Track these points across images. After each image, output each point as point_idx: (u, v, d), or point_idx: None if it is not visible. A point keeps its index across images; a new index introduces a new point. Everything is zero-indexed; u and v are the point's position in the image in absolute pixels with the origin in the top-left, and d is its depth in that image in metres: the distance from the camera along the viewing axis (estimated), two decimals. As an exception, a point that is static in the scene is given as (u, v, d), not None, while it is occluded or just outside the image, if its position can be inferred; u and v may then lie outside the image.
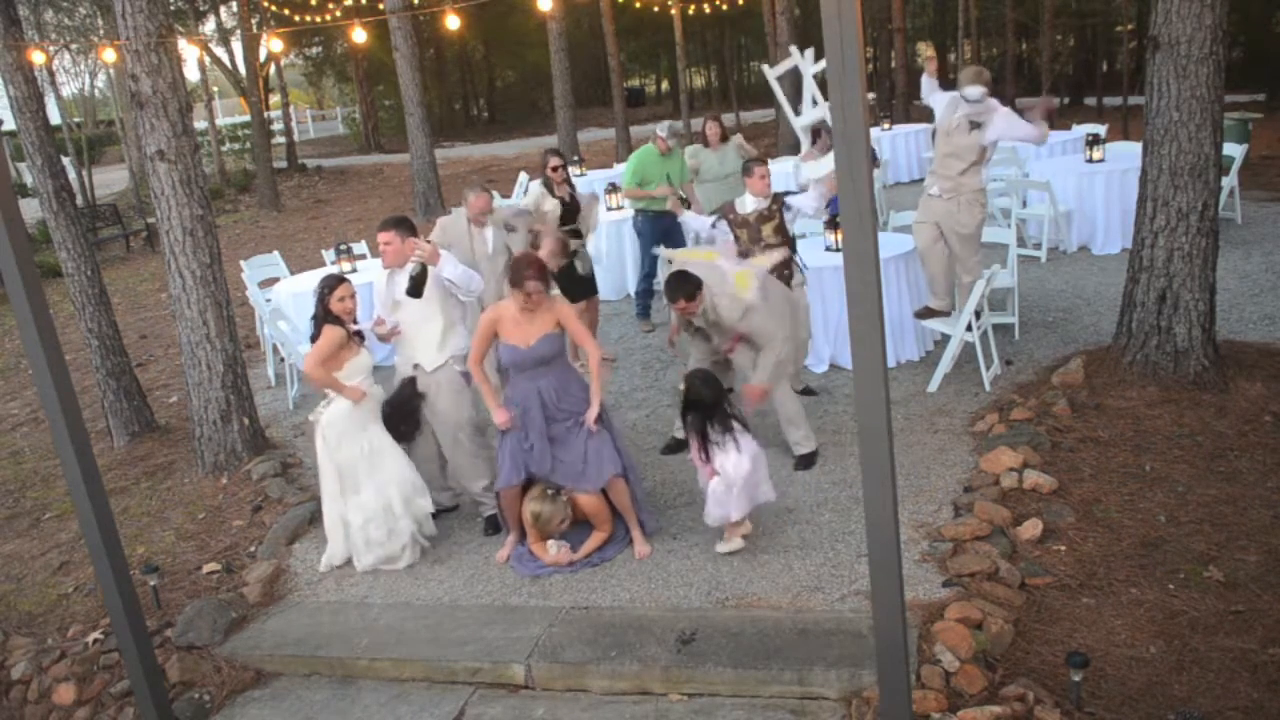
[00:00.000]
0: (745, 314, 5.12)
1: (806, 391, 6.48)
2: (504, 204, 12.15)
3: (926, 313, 6.61)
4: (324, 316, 4.88)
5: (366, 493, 4.98)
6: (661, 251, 6.38)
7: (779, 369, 5.24)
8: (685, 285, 5.06)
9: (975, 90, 6.04)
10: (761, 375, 5.18)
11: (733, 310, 5.13)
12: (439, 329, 5.12)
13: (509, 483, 4.80)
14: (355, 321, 5.00)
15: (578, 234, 7.29)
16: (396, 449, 5.08)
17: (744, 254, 5.91)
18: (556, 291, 5.05)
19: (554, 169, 7.31)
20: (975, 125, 6.14)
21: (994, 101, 6.21)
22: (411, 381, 5.13)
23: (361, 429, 4.96)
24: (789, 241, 6.06)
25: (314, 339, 4.91)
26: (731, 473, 4.48)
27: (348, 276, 5.07)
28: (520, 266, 4.63)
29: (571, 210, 7.23)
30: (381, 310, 5.23)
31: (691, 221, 6.58)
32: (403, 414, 5.12)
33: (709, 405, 4.56)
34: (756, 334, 5.16)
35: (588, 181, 12.67)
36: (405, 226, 5.15)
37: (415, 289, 5.02)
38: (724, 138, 8.39)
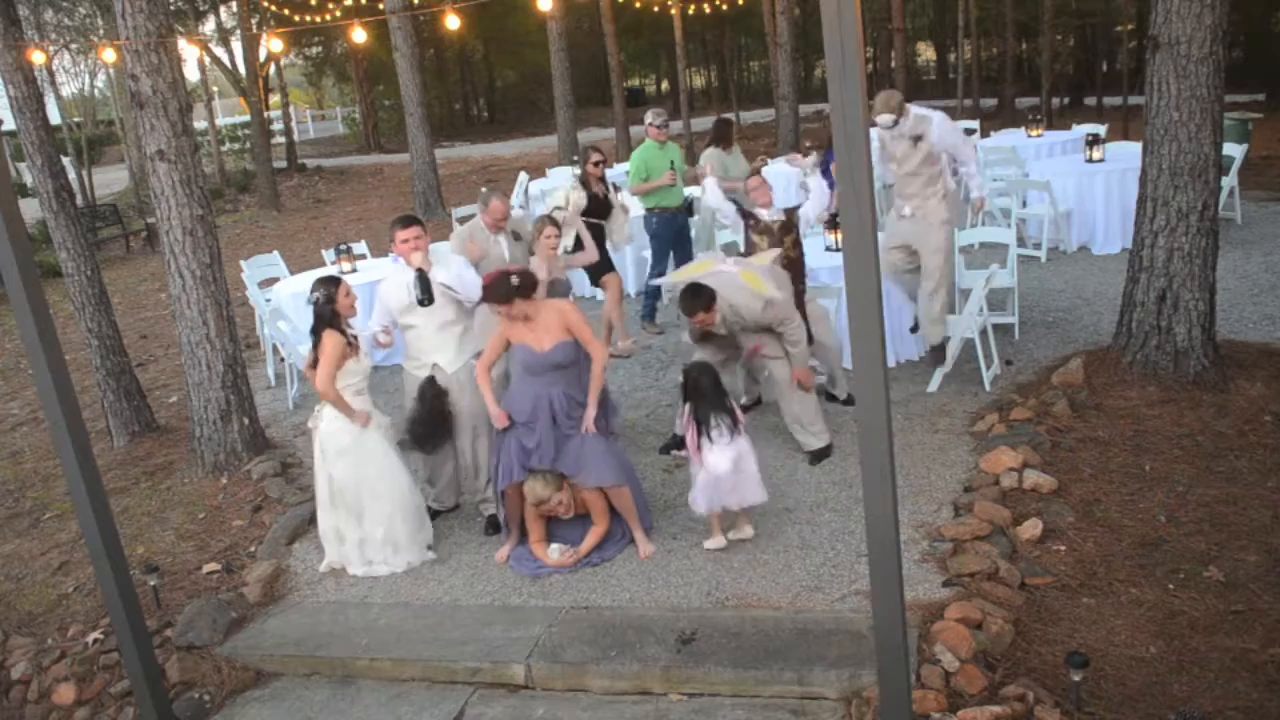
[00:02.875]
0: (766, 306, 5.22)
1: (849, 401, 6.28)
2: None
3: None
4: (328, 319, 4.81)
5: (368, 521, 4.95)
6: (664, 281, 6.36)
7: (805, 347, 5.42)
8: (700, 297, 5.11)
9: (886, 118, 5.92)
10: (800, 358, 5.35)
11: (753, 305, 5.21)
12: (459, 331, 5.14)
13: (511, 479, 4.79)
14: (353, 310, 4.96)
15: (600, 229, 7.37)
16: (403, 476, 5.02)
17: (746, 254, 5.94)
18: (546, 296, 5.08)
19: (595, 164, 7.49)
20: (918, 138, 5.97)
21: (922, 111, 6.07)
22: (432, 381, 5.11)
23: (365, 451, 4.90)
24: (802, 254, 6.11)
25: (315, 346, 4.86)
26: (711, 467, 4.53)
27: (342, 277, 5.02)
28: (484, 290, 4.79)
29: (601, 207, 7.35)
30: (394, 313, 5.16)
31: (711, 198, 6.47)
32: (435, 419, 5.08)
33: (709, 396, 4.61)
34: (779, 322, 5.28)
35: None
36: (421, 223, 5.19)
37: (426, 294, 4.99)
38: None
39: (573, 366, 4.82)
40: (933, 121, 5.97)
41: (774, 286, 5.31)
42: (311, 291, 4.85)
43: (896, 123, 5.93)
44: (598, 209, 7.32)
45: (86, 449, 3.47)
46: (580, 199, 7.12)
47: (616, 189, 9.96)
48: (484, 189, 6.27)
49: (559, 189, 7.52)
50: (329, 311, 4.81)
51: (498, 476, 4.85)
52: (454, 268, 5.15)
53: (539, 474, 4.72)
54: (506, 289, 4.67)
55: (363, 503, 4.93)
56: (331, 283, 4.85)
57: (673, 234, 8.11)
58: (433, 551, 5.14)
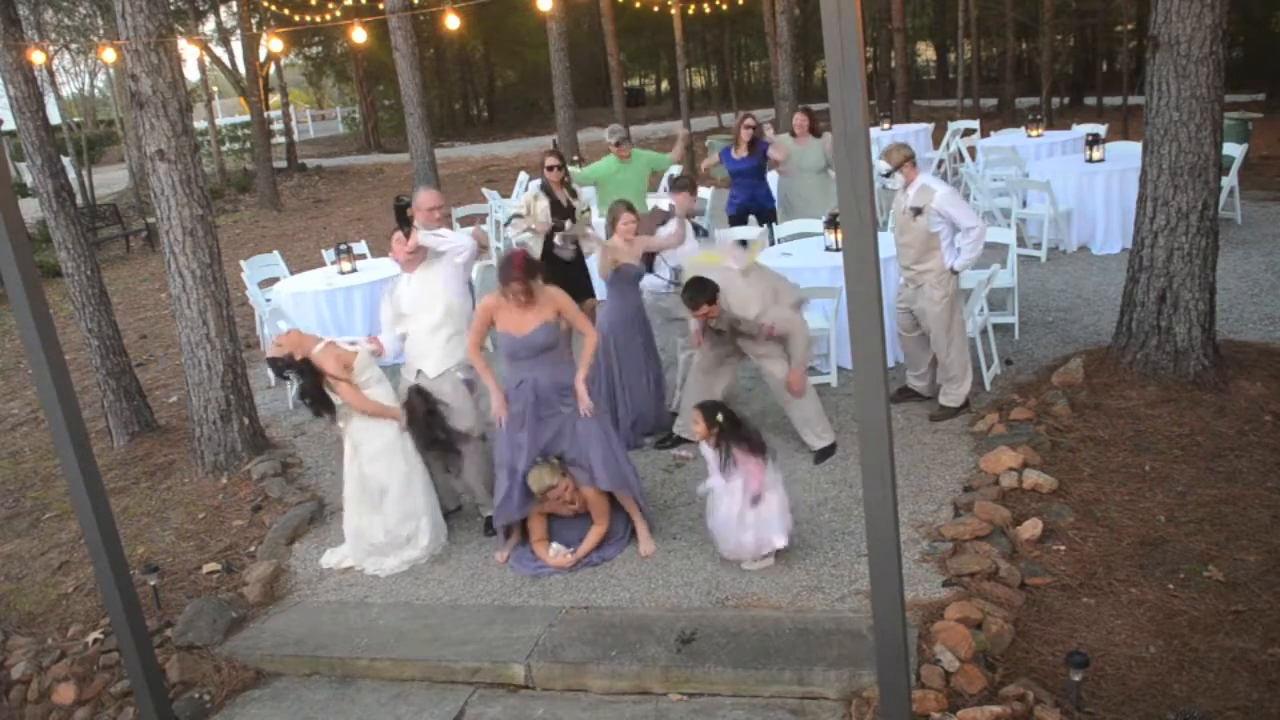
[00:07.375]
0: (763, 307, 5.19)
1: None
2: (502, 204, 12.19)
3: (904, 394, 6.18)
4: (315, 375, 4.83)
5: (403, 513, 5.00)
6: (682, 264, 6.34)
7: (808, 349, 5.39)
8: (704, 291, 5.13)
9: (881, 165, 5.63)
10: (797, 361, 5.32)
11: (748, 310, 5.20)
12: (445, 336, 5.15)
13: (512, 518, 4.85)
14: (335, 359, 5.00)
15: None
16: (425, 479, 5.11)
17: None
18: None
19: (550, 169, 7.23)
20: (918, 211, 5.62)
21: (929, 182, 5.65)
22: (417, 389, 5.12)
23: (405, 446, 5.00)
24: None
25: (309, 395, 4.88)
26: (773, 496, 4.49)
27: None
28: (505, 265, 4.69)
29: (564, 212, 7.15)
30: (387, 319, 5.22)
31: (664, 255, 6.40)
32: (434, 422, 5.07)
33: (737, 425, 4.56)
34: (779, 323, 5.25)
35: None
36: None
37: (402, 216, 5.12)
38: (813, 131, 8.46)
39: (554, 349, 4.80)
40: (935, 195, 5.56)
41: (774, 293, 5.28)
42: (284, 376, 5.00)
43: (889, 174, 5.71)
44: (560, 214, 7.10)
45: (86, 449, 3.47)
46: (544, 206, 7.05)
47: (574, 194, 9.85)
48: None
49: (520, 198, 7.34)
50: (311, 369, 4.82)
51: (498, 514, 4.89)
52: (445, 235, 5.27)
53: (540, 463, 4.72)
54: (528, 270, 4.68)
55: (398, 496, 4.97)
56: (284, 361, 4.86)
57: None
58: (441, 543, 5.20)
